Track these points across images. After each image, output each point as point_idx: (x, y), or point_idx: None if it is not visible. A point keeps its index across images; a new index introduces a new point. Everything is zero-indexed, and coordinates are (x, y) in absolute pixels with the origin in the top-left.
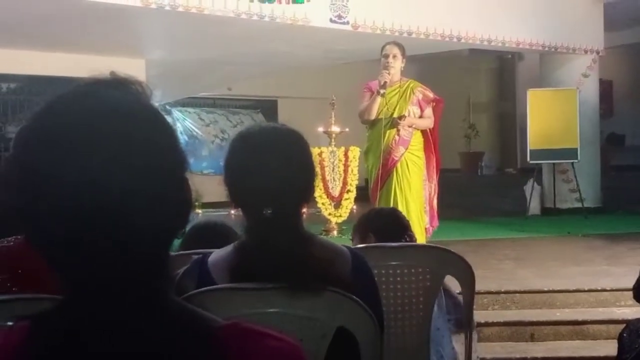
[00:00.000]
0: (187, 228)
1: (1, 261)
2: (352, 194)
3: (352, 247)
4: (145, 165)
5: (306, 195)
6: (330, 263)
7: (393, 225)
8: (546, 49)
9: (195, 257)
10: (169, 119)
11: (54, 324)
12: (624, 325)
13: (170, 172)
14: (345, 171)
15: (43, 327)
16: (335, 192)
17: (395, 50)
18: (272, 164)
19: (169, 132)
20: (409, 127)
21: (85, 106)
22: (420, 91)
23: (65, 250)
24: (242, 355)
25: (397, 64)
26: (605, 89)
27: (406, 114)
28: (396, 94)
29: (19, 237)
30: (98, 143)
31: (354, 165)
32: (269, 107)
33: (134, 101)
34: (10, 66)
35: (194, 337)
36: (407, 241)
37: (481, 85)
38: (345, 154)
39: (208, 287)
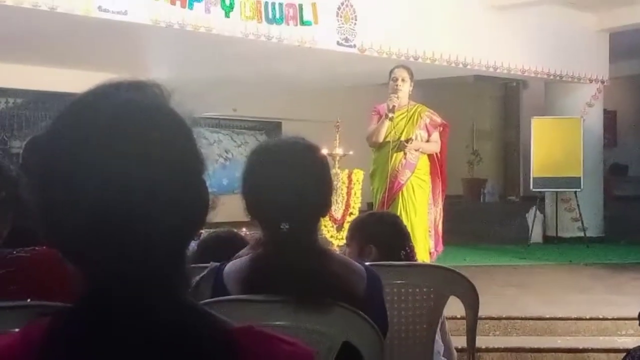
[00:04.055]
0: (199, 241)
1: (17, 271)
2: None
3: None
4: (164, 164)
5: (323, 210)
6: (343, 278)
7: (395, 234)
8: (551, 77)
9: (214, 264)
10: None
11: (75, 317)
12: (624, 353)
13: (188, 171)
14: (349, 194)
15: (64, 320)
16: (338, 215)
17: (404, 74)
18: (291, 178)
19: (187, 134)
20: (416, 150)
21: (105, 107)
22: (428, 115)
23: (88, 246)
24: (255, 356)
25: (405, 88)
26: (610, 118)
27: (413, 138)
28: (404, 117)
29: (36, 248)
30: (118, 142)
31: (357, 188)
32: (273, 129)
33: (153, 103)
34: (16, 81)
35: (209, 334)
36: (407, 252)
37: (486, 112)
38: (349, 177)
39: (216, 299)
